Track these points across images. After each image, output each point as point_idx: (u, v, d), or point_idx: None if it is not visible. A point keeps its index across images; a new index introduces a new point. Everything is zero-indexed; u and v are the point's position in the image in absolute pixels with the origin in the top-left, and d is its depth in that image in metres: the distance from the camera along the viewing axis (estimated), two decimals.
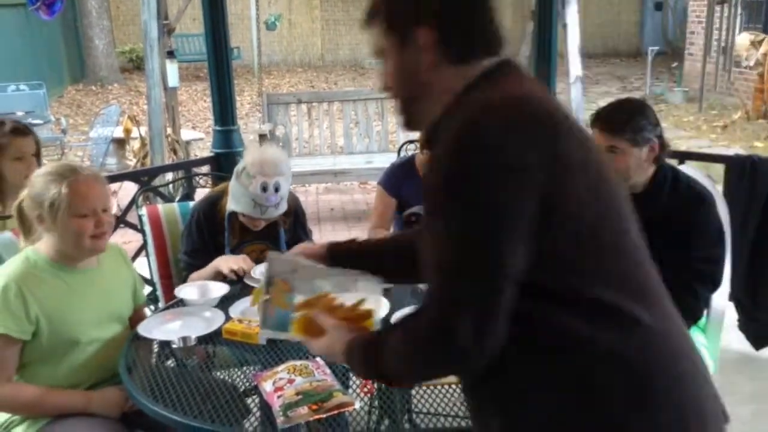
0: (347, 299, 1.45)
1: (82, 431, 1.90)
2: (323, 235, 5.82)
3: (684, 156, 3.45)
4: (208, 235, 2.50)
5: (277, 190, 2.37)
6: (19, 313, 1.86)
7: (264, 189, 2.35)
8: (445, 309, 1.07)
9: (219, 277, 2.39)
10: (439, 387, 1.71)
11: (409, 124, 1.31)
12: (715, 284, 2.27)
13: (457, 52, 1.20)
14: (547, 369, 1.11)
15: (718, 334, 2.37)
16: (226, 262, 2.39)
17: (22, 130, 2.68)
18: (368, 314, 1.44)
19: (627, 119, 2.24)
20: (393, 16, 1.23)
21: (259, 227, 2.49)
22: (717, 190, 2.51)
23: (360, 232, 5.81)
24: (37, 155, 2.70)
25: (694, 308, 2.24)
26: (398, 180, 2.84)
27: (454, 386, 1.71)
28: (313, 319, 1.42)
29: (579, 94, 5.52)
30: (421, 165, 2.80)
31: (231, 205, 2.45)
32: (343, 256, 1.57)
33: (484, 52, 1.21)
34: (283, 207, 2.45)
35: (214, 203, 2.54)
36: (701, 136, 9.24)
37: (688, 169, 2.65)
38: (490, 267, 1.06)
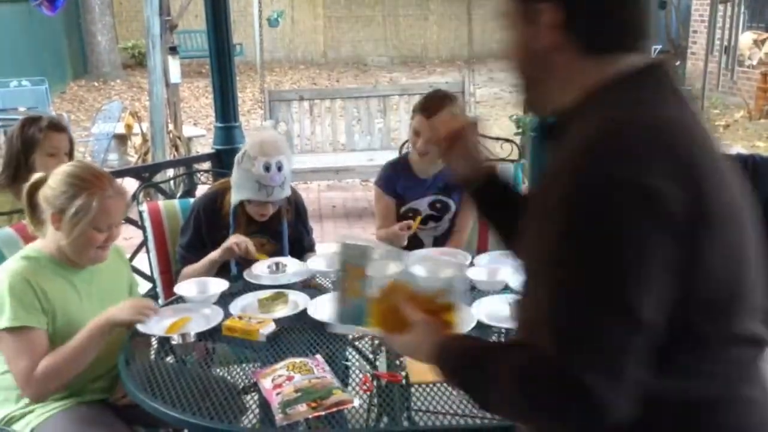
0: (425, 288, 1.30)
1: (83, 427, 1.91)
2: (324, 233, 5.82)
3: None
4: (206, 231, 2.50)
5: (280, 168, 2.38)
6: (36, 304, 1.87)
7: (267, 169, 2.36)
8: (574, 359, 0.94)
9: (214, 268, 2.39)
10: (438, 385, 1.71)
11: (530, 106, 1.19)
12: None
13: (586, 39, 1.06)
14: (688, 425, 1.01)
15: None
16: (228, 240, 2.39)
17: (57, 126, 2.71)
18: (449, 307, 1.29)
19: None
20: None
21: (266, 216, 2.49)
22: None
23: (361, 230, 5.81)
24: (70, 153, 2.71)
25: None
26: (393, 178, 2.85)
27: None
28: (393, 312, 1.27)
29: None
30: (415, 162, 2.82)
31: (236, 196, 2.45)
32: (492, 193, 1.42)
33: (620, 45, 1.06)
34: (288, 188, 2.46)
35: (214, 199, 2.54)
36: None
37: None
38: (622, 312, 0.93)
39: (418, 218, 2.73)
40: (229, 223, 2.49)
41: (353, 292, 1.36)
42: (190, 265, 2.48)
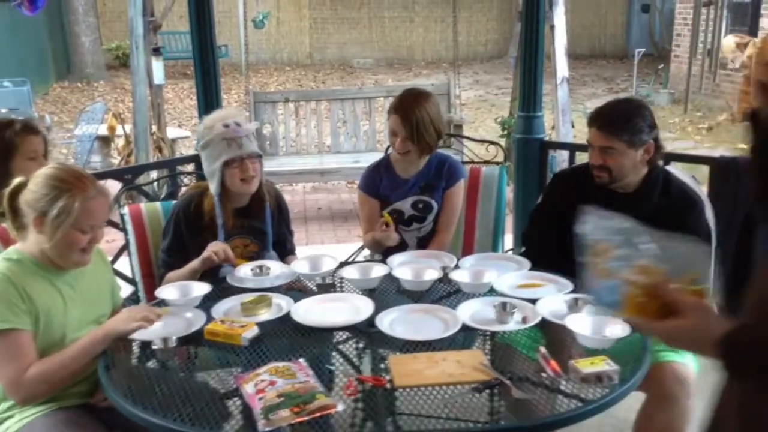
0: (678, 271, 1.17)
1: (64, 430, 1.88)
2: (310, 234, 5.80)
3: (670, 157, 3.45)
4: (186, 233, 2.49)
5: (238, 125, 2.44)
6: (21, 305, 1.85)
7: (226, 126, 2.43)
8: None
9: (196, 276, 2.37)
10: (422, 389, 1.70)
11: None
12: None
13: None
14: None
15: None
16: (206, 250, 2.38)
17: (32, 128, 2.63)
18: (703, 292, 1.17)
19: (625, 121, 2.25)
20: None
21: (251, 186, 2.46)
22: (702, 192, 2.52)
23: (347, 233, 5.79)
24: (45, 154, 2.66)
25: None
26: (375, 180, 2.85)
27: (437, 388, 1.70)
28: (650, 296, 1.16)
29: (565, 95, 5.52)
30: (397, 162, 2.81)
31: (213, 176, 2.44)
32: None
33: None
34: (256, 144, 2.50)
35: (190, 202, 2.53)
36: (686, 138, 9.29)
37: (674, 170, 2.66)
38: None
39: (385, 213, 2.71)
40: (209, 225, 2.48)
41: (602, 271, 1.24)
42: (172, 270, 2.46)
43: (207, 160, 2.47)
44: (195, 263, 2.39)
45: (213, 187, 2.46)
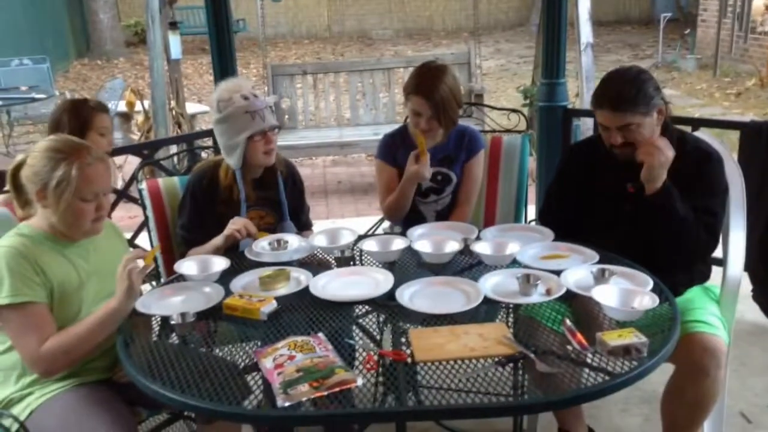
0: None
1: (83, 409, 1.88)
2: (330, 208, 5.77)
3: (698, 123, 3.36)
4: (204, 205, 2.47)
5: (256, 96, 2.43)
6: (35, 279, 1.85)
7: (246, 98, 2.40)
8: None
9: (219, 252, 2.35)
10: (444, 363, 1.66)
11: None
12: (710, 234, 2.21)
13: None
14: None
15: (733, 305, 2.30)
16: (228, 227, 2.37)
17: (103, 106, 2.80)
18: None
19: (636, 93, 2.18)
20: None
21: (271, 158, 2.46)
22: (732, 158, 2.44)
23: (367, 205, 5.75)
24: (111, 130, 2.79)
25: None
26: (393, 149, 2.78)
27: (459, 362, 1.66)
28: None
29: (589, 62, 5.40)
30: (414, 133, 2.73)
31: (233, 157, 2.43)
32: None
33: None
34: (275, 117, 2.50)
35: (204, 175, 2.50)
36: (714, 104, 9.08)
37: (701, 134, 2.57)
38: None
39: (419, 135, 2.59)
40: (225, 198, 2.46)
41: None
42: (192, 246, 2.45)
43: (226, 134, 2.44)
44: (218, 240, 2.37)
45: (233, 160, 2.43)
